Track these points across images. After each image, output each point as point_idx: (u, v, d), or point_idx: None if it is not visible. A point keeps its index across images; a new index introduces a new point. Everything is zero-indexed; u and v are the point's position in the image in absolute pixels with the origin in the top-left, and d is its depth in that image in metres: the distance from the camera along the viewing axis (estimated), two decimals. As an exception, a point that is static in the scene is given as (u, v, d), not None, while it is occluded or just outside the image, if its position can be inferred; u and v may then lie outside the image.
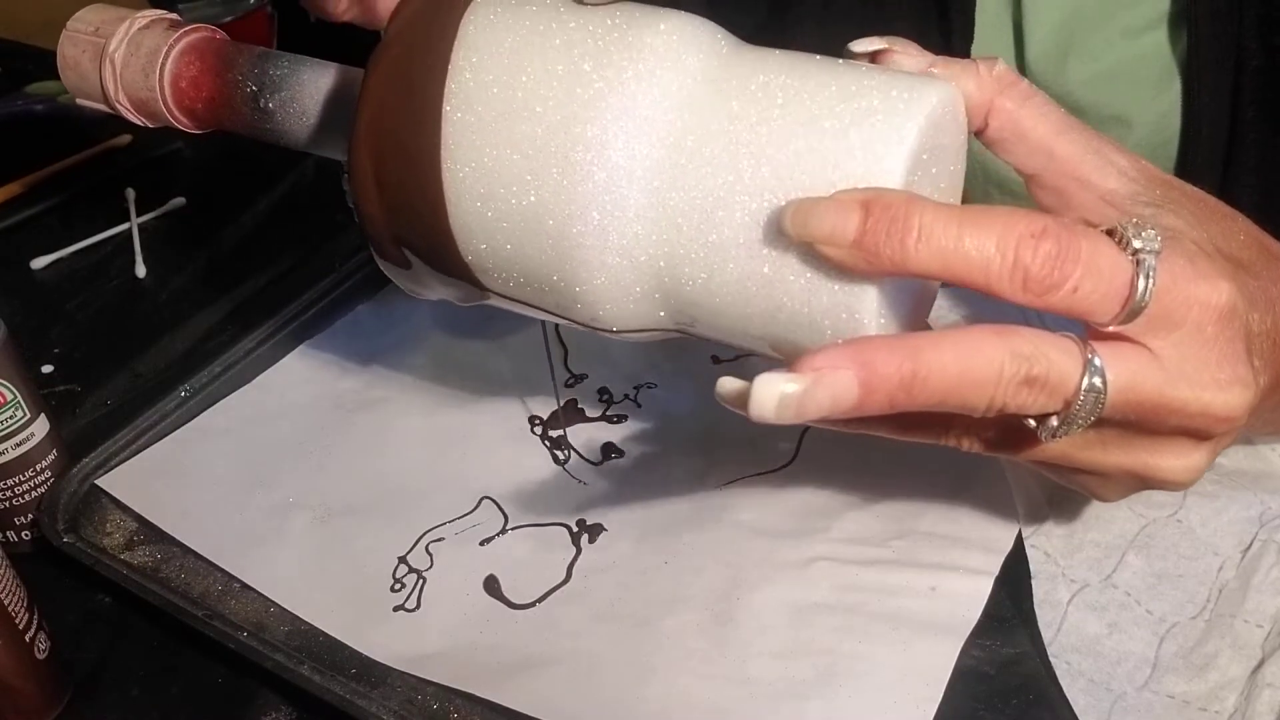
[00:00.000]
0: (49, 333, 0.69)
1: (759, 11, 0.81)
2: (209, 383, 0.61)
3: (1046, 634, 0.47)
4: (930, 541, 0.50)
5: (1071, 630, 0.47)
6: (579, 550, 0.52)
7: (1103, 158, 0.39)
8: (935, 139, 0.35)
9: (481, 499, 0.55)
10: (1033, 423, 0.36)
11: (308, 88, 0.44)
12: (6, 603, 0.45)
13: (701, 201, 0.36)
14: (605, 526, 0.53)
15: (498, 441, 0.58)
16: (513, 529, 0.53)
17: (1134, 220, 0.34)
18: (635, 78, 0.36)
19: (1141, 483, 0.40)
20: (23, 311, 0.71)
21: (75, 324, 0.70)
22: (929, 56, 0.39)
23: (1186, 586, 0.47)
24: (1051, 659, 0.46)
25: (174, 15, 0.47)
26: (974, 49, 0.70)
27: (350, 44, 0.59)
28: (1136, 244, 0.33)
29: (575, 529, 0.53)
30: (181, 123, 0.47)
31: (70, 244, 0.76)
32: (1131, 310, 0.34)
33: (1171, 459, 0.38)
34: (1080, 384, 0.34)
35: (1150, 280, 0.33)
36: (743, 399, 0.34)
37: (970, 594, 0.47)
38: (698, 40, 0.37)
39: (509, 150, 0.37)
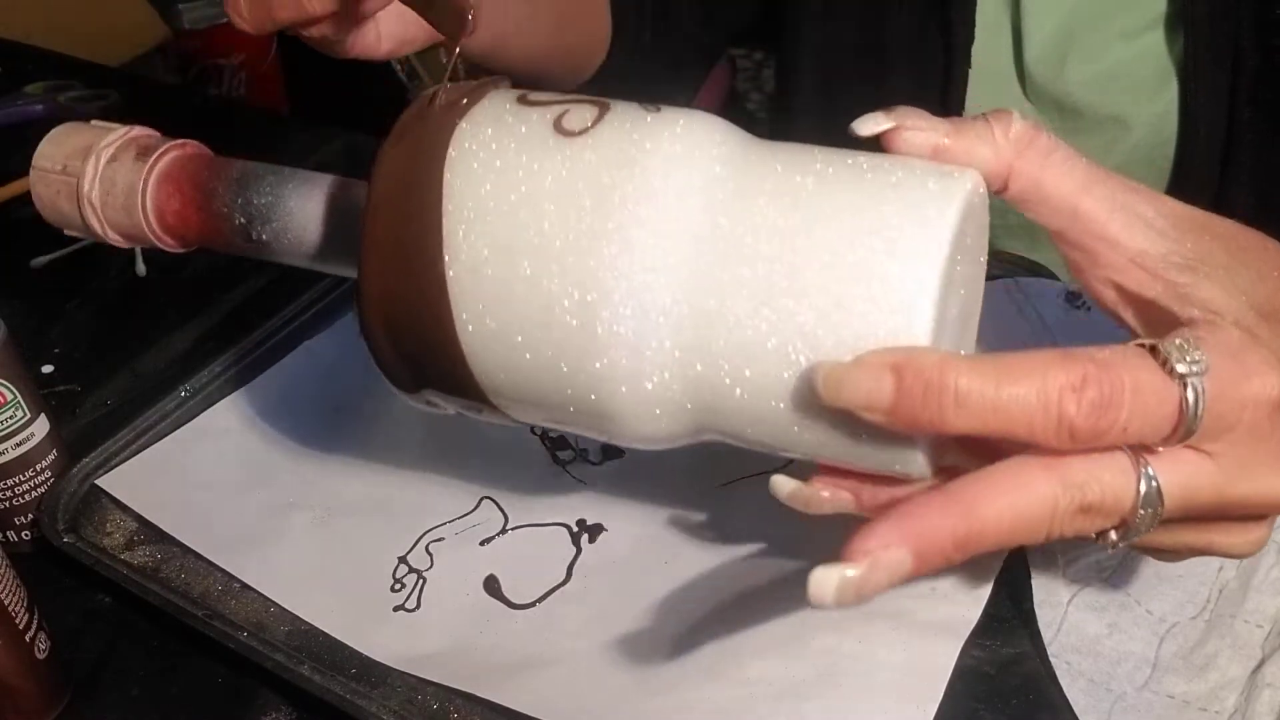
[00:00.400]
0: (49, 332, 0.69)
1: (755, 11, 0.81)
2: (209, 382, 0.61)
3: (1047, 634, 0.47)
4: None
5: (1072, 630, 0.47)
6: (579, 550, 0.52)
7: (1129, 213, 0.37)
8: (959, 246, 0.34)
9: (481, 499, 0.55)
10: (1093, 534, 0.36)
11: (297, 216, 0.43)
12: (6, 603, 0.45)
13: (730, 361, 0.35)
14: (605, 526, 0.53)
15: (498, 441, 0.58)
16: (513, 529, 0.53)
17: (1177, 341, 0.33)
18: (640, 234, 0.35)
19: (1205, 554, 0.39)
20: (22, 311, 0.71)
21: (75, 324, 0.70)
22: (940, 126, 0.37)
23: (1186, 586, 0.47)
24: (1052, 659, 0.46)
25: (139, 130, 0.46)
26: (974, 50, 0.71)
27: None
28: (1181, 369, 0.33)
29: (575, 529, 0.53)
30: (176, 248, 0.46)
31: (70, 243, 0.76)
32: (1184, 432, 0.33)
33: (1235, 537, 0.38)
34: (1137, 502, 0.34)
35: (1200, 401, 0.33)
36: (800, 500, 0.35)
37: (970, 594, 0.47)
38: (698, 174, 0.36)
39: (523, 319, 0.36)
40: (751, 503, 0.53)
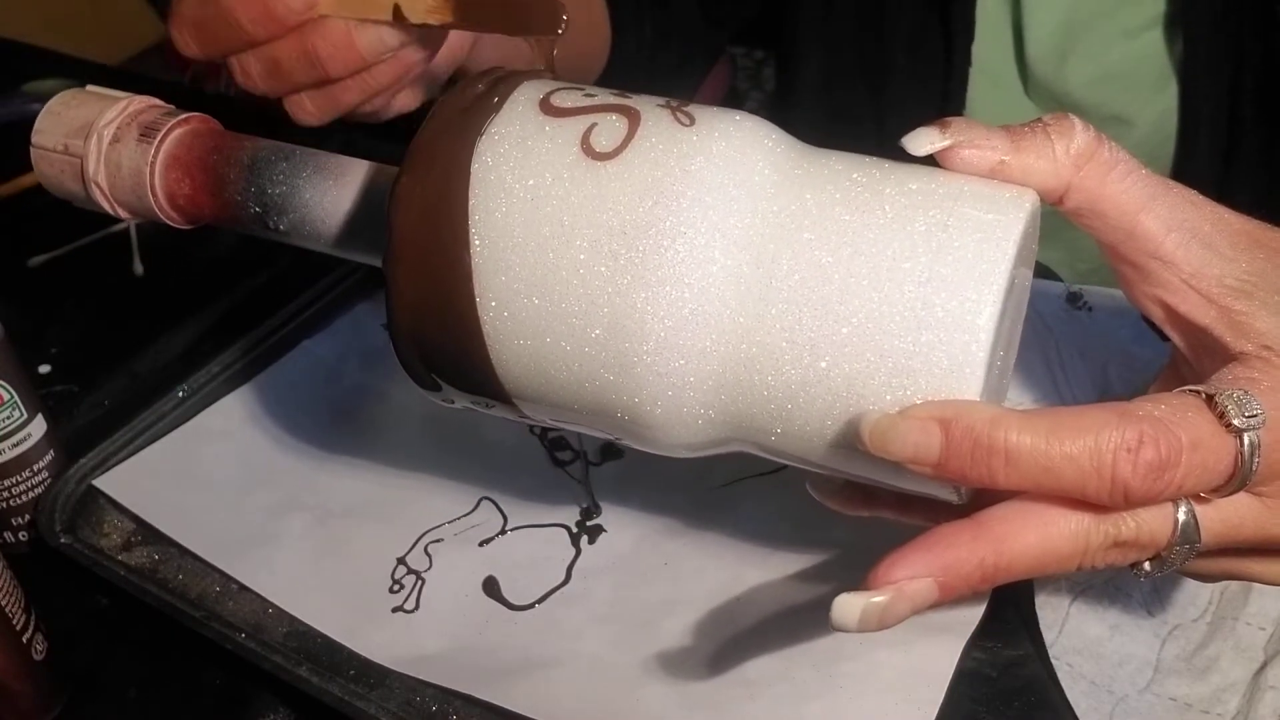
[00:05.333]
0: (46, 332, 0.69)
1: (758, 8, 0.81)
2: (207, 383, 0.60)
3: (1048, 635, 0.46)
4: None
5: (1073, 632, 0.47)
6: (578, 551, 0.52)
7: (1186, 231, 0.35)
8: (1012, 285, 0.33)
9: (480, 499, 0.55)
10: (1126, 565, 0.35)
11: (314, 209, 0.42)
12: (4, 604, 0.45)
13: (772, 402, 0.34)
14: (605, 527, 0.53)
15: (497, 441, 0.57)
16: (512, 530, 0.53)
17: (1234, 394, 0.32)
18: (677, 275, 0.34)
19: (1240, 579, 0.39)
20: (20, 311, 0.70)
21: (73, 323, 0.70)
22: (998, 143, 0.35)
23: (1189, 588, 0.47)
24: (1053, 660, 0.46)
25: (138, 102, 0.44)
26: (975, 49, 0.70)
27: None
28: (1239, 423, 0.32)
29: (575, 530, 0.53)
30: (189, 226, 0.45)
31: (68, 242, 0.76)
32: (1238, 483, 0.33)
33: (1274, 567, 0.37)
34: (1174, 538, 0.33)
35: (1256, 454, 0.32)
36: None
37: (972, 595, 0.47)
38: (738, 209, 0.34)
39: (559, 351, 0.35)
40: (751, 503, 0.53)
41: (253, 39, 0.48)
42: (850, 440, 0.34)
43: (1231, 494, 0.33)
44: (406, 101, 0.54)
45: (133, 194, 0.44)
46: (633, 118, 0.36)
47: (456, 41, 0.53)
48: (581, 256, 0.35)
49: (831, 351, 0.33)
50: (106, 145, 0.43)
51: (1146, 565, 0.35)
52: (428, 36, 0.49)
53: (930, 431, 0.32)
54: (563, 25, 0.39)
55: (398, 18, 0.46)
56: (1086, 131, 0.35)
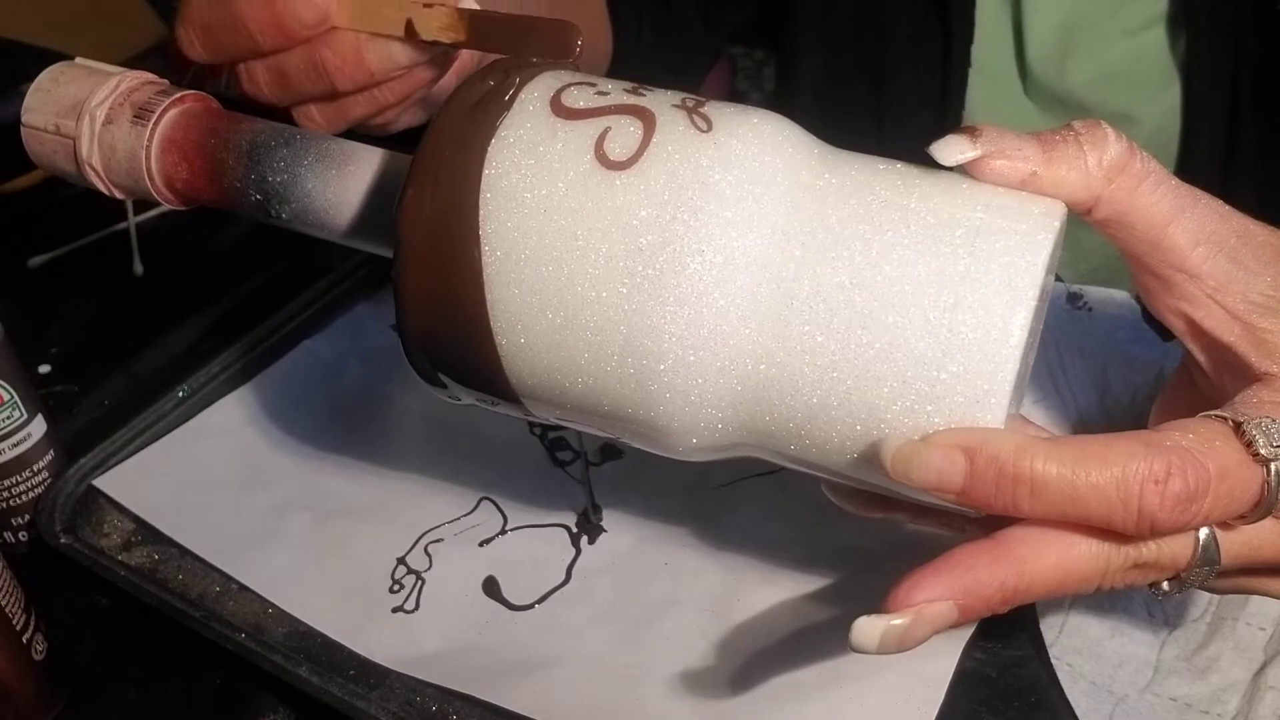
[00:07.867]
0: (46, 332, 0.69)
1: (756, 10, 0.81)
2: (207, 383, 0.60)
3: (1048, 636, 0.46)
4: (932, 542, 0.49)
5: (1073, 632, 0.47)
6: (578, 551, 0.52)
7: (1213, 244, 0.35)
8: (1039, 306, 0.33)
9: (480, 499, 0.55)
10: (1145, 585, 0.35)
11: (317, 199, 0.40)
12: (4, 604, 0.45)
13: (791, 421, 0.34)
14: (605, 527, 0.53)
15: (497, 441, 0.57)
16: (512, 530, 0.53)
17: (1263, 424, 0.32)
18: (696, 292, 0.33)
19: (1256, 595, 0.39)
20: (20, 311, 0.70)
21: (73, 323, 0.70)
22: (1030, 154, 0.34)
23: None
24: (1053, 661, 0.46)
25: (130, 80, 0.43)
26: (974, 50, 0.70)
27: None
28: (1265, 452, 0.32)
29: (575, 530, 0.53)
30: (188, 208, 0.44)
31: (68, 243, 0.76)
32: (1262, 511, 0.32)
33: None
34: (1194, 560, 0.33)
35: None
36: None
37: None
38: (758, 226, 0.33)
39: (573, 365, 0.35)
40: (750, 503, 0.53)
41: (260, 49, 0.48)
42: (870, 461, 0.33)
43: (1256, 521, 0.33)
44: (415, 116, 0.54)
45: (128, 176, 0.43)
46: (648, 121, 0.35)
47: (466, 61, 0.53)
48: (596, 272, 0.34)
49: (853, 376, 0.32)
50: (99, 127, 0.42)
51: (1165, 585, 0.35)
52: (438, 55, 0.49)
53: (954, 460, 0.31)
54: (577, 51, 0.38)
55: (409, 34, 0.46)
56: (1120, 142, 0.34)
